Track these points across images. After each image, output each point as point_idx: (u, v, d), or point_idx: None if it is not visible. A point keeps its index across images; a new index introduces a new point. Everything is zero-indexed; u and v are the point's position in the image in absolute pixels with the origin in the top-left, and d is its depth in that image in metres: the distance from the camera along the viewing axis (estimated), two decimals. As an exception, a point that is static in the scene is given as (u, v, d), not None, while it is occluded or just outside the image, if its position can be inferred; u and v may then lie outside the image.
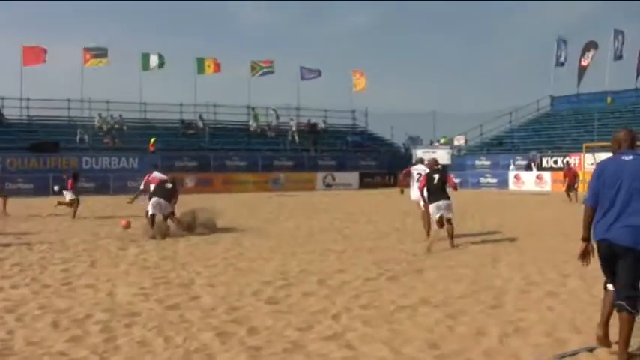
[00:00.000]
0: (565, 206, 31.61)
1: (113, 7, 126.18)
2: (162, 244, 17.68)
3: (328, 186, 53.31)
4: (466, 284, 12.07)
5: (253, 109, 60.07)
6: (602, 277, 7.90)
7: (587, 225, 7.70)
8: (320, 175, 53.47)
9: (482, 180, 53.89)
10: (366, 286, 11.85)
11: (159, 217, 20.08)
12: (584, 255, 7.85)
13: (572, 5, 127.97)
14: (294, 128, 59.00)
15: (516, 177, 51.86)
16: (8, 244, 17.43)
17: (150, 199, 20.40)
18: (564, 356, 7.70)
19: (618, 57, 62.72)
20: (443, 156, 57.91)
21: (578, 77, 64.76)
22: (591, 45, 64.99)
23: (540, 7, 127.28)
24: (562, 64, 66.04)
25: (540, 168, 51.18)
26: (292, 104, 62.94)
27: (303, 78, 63.67)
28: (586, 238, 7.77)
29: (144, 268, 13.89)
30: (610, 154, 7.87)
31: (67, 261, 14.82)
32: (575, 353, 7.78)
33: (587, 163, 46.20)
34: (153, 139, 50.73)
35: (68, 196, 26.01)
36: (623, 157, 7.48)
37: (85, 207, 27.98)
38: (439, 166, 18.94)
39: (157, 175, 21.77)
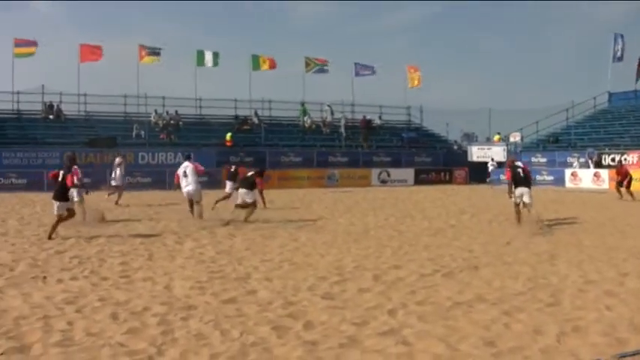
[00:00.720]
0: (622, 204, 31.19)
1: (168, 6, 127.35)
2: (218, 238, 17.79)
3: (383, 182, 53.14)
4: (523, 281, 12.00)
5: (303, 104, 60.05)
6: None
7: None
8: (375, 171, 53.29)
9: (538, 177, 53.19)
10: (421, 283, 11.84)
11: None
12: None
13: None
14: (342, 122, 58.92)
15: (573, 174, 51.23)
16: (67, 237, 17.64)
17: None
18: (624, 356, 7.61)
19: (678, 52, 61.68)
20: (498, 152, 57.65)
21: (636, 73, 63.77)
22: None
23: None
24: (620, 60, 65.02)
25: (599, 165, 50.49)
26: (347, 100, 62.88)
27: (357, 74, 63.51)
28: None
29: (200, 262, 14.00)
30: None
31: (124, 254, 14.99)
32: (636, 353, 7.70)
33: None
34: (229, 134, 51.79)
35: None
36: None
37: (142, 200, 28.25)
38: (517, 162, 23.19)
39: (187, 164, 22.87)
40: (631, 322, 9.06)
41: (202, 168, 23.33)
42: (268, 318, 9.23)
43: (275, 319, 9.20)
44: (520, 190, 21.04)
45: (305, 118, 59.05)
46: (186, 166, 22.51)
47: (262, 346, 7.98)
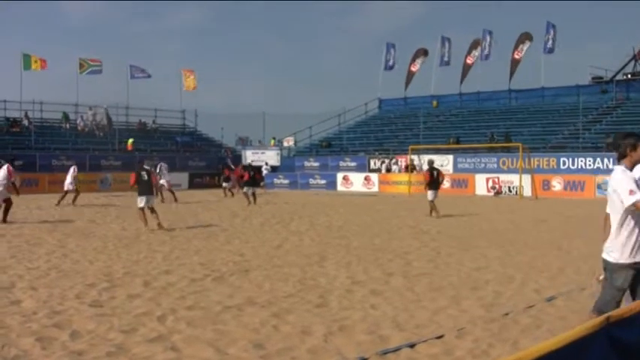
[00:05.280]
0: (391, 206, 32.37)
1: None
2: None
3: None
4: (292, 283, 12.18)
5: (64, 112, 58.91)
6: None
7: None
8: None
9: (311, 181, 54.44)
10: (192, 287, 11.78)
11: None
12: None
13: (400, 10, 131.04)
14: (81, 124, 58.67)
15: (345, 178, 52.67)
16: None
17: None
18: (386, 352, 7.86)
19: (445, 63, 64.62)
20: (272, 157, 58.49)
21: (406, 81, 66.41)
22: (421, 51, 66.82)
23: (369, 10, 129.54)
24: (391, 68, 67.53)
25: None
26: (122, 103, 61.88)
27: (132, 77, 62.60)
28: None
29: (-39, 272, 13.36)
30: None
31: None
32: (397, 349, 7.97)
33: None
34: (131, 140, 52.90)
35: None
36: None
37: None
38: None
39: None
40: (394, 320, 9.39)
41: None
42: (32, 329, 8.88)
43: (40, 329, 8.86)
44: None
45: (79, 122, 57.74)
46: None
47: (26, 359, 7.68)
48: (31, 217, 24.57)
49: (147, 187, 21.72)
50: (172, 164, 55.01)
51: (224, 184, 42.51)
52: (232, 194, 40.73)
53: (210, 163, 58.83)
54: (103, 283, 12.04)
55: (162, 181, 35.36)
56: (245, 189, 34.50)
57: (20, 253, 15.82)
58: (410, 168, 48.60)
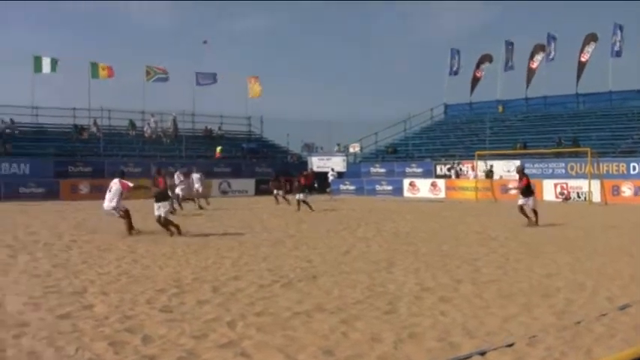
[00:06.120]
0: (459, 212, 32.17)
1: (6, 8, 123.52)
2: (54, 252, 17.33)
3: (224, 192, 53.12)
4: (361, 290, 12.15)
5: (130, 120, 59.90)
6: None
7: None
8: (215, 182, 53.16)
9: (377, 187, 54.36)
10: (260, 293, 11.81)
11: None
12: None
13: (465, 16, 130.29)
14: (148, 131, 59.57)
15: (411, 184, 52.49)
16: None
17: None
18: (457, 360, 7.83)
19: (509, 68, 64.10)
20: (338, 163, 58.46)
21: (471, 86, 66.07)
22: (486, 57, 66.38)
23: (434, 16, 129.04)
24: (456, 74, 67.26)
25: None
26: (188, 110, 62.53)
27: (198, 83, 63.14)
28: None
29: (35, 277, 13.55)
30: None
31: (-47, 270, 14.40)
32: (468, 357, 7.91)
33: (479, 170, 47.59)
34: (219, 148, 55.32)
35: None
36: None
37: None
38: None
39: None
40: (464, 327, 9.32)
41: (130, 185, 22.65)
42: (105, 333, 9.00)
43: (112, 333, 8.97)
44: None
45: (145, 129, 58.54)
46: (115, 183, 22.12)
47: (99, 362, 7.80)
48: (108, 225, 24.72)
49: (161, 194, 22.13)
50: (238, 170, 55.63)
51: (275, 191, 42.05)
52: (287, 201, 40.05)
53: (276, 169, 59.06)
54: (173, 289, 12.15)
55: (177, 190, 34.82)
56: (297, 195, 34.77)
57: (91, 259, 16.05)
58: (487, 174, 48.29)
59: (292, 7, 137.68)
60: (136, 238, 20.50)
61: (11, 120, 53.22)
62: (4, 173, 46.40)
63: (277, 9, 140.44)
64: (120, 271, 14.21)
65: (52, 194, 44.49)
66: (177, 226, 21.40)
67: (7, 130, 52.15)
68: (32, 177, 46.95)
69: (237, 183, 54.79)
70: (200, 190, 38.75)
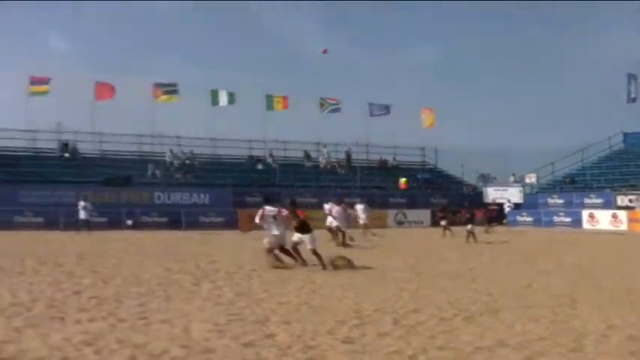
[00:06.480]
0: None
1: (183, 44, 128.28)
2: (235, 280, 17.71)
3: (400, 223, 53.22)
4: (544, 325, 11.84)
5: (305, 152, 60.91)
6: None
7: None
8: (391, 213, 53.33)
9: (555, 218, 53.14)
10: (441, 327, 11.68)
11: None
12: None
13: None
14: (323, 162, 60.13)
15: (591, 215, 51.02)
16: (83, 277, 17.61)
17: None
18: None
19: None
20: (514, 194, 57.55)
21: (650, 113, 63.78)
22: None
23: (610, 42, 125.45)
24: (634, 100, 64.96)
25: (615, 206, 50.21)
26: (361, 140, 63.17)
27: (372, 114, 63.70)
28: None
29: (218, 304, 13.86)
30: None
31: (142, 295, 14.89)
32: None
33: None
34: (404, 179, 56.46)
35: None
36: None
37: (157, 241, 28.26)
38: None
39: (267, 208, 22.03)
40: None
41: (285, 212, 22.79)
42: (288, 362, 9.11)
43: (295, 363, 9.08)
44: None
45: (321, 160, 59.49)
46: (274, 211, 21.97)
47: (284, 391, 7.87)
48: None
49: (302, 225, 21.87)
50: (414, 201, 55.58)
51: (442, 222, 41.13)
52: (451, 232, 39.19)
53: (451, 199, 58.69)
54: (354, 320, 12.15)
55: (328, 221, 33.78)
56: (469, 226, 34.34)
57: (272, 288, 16.29)
58: None
59: (461, 36, 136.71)
60: (312, 268, 20.65)
61: (191, 151, 55.07)
62: (185, 203, 47.97)
63: (448, 38, 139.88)
64: (300, 301, 14.36)
65: (230, 223, 45.56)
66: (321, 260, 21.00)
67: (187, 162, 53.98)
68: (212, 206, 48.36)
69: (412, 214, 54.77)
70: (363, 221, 38.68)
